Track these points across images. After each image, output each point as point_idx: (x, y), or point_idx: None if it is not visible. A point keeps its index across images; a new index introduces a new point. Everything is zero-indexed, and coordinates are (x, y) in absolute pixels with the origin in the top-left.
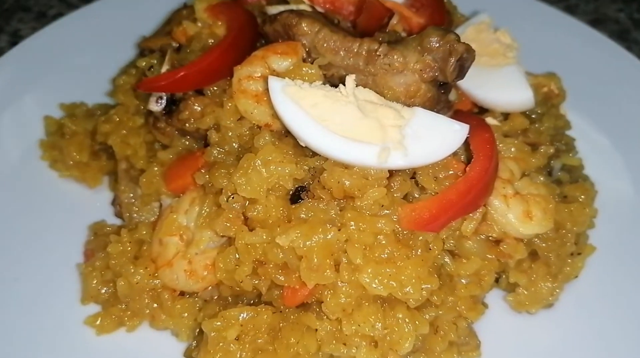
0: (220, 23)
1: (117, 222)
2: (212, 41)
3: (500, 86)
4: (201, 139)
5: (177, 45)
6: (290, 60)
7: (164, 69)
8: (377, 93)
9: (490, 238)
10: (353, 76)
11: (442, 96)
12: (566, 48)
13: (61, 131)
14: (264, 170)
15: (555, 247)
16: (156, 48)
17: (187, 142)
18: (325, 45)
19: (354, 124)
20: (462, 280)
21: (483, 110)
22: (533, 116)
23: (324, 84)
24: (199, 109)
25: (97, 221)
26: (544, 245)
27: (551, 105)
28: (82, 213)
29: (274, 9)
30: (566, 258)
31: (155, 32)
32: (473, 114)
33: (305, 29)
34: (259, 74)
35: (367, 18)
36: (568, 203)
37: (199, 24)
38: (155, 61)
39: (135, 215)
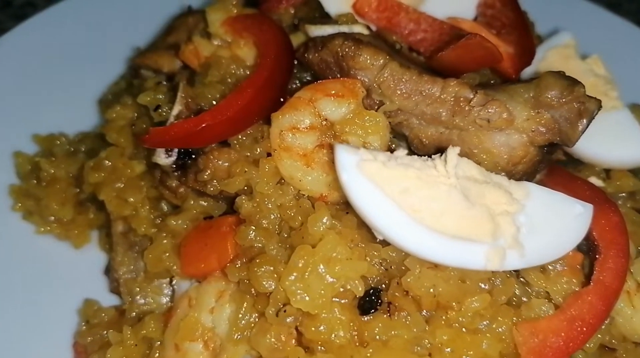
0: (243, 42)
1: (113, 299)
2: (235, 68)
3: (606, 137)
4: (225, 201)
5: (186, 69)
6: (347, 105)
7: (176, 109)
8: (467, 154)
9: (606, 348)
10: (457, 150)
11: (546, 156)
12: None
13: (37, 174)
14: (327, 273)
15: None
16: (155, 67)
17: (206, 203)
18: (392, 85)
19: (457, 216)
20: None
21: (574, 161)
22: None
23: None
24: (225, 165)
25: (89, 300)
26: None
27: None
28: (67, 284)
29: (317, 30)
30: None
31: (153, 42)
32: (575, 174)
33: (366, 62)
34: (307, 124)
35: (460, 56)
36: None
37: (215, 42)
38: (162, 96)
39: (138, 296)
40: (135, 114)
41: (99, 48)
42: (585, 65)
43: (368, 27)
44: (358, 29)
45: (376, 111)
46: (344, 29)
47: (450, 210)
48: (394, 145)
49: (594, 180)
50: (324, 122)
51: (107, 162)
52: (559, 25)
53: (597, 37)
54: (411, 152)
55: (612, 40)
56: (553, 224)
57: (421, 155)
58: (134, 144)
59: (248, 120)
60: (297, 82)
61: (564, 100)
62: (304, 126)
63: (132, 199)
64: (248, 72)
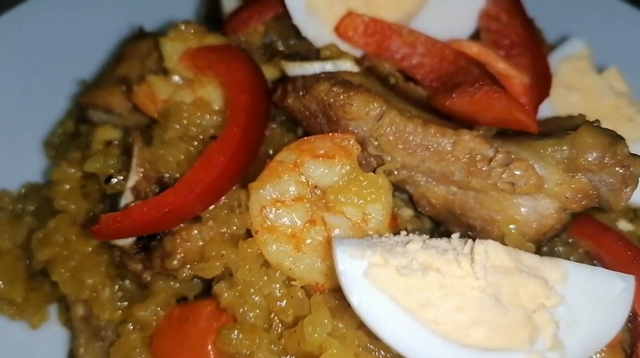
0: (207, 80)
1: None
2: (200, 115)
3: None
4: (202, 279)
5: (139, 114)
6: (339, 167)
7: (132, 180)
8: (487, 221)
9: None
10: (485, 245)
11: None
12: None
13: None
14: None
15: None
16: (105, 107)
17: (178, 284)
18: (392, 138)
19: (489, 326)
20: None
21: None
22: None
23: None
24: (198, 244)
25: None
26: None
27: None
28: None
29: (296, 68)
30: None
31: (102, 74)
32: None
33: (360, 111)
34: (293, 195)
35: (472, 109)
36: None
37: (174, 79)
38: (114, 160)
39: None
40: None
41: (38, 79)
42: (603, 80)
43: (356, 60)
44: (346, 65)
45: (374, 171)
46: (329, 66)
47: (480, 320)
48: (397, 209)
49: (623, 224)
50: (314, 190)
51: (57, 236)
52: (568, 21)
53: (614, 34)
54: (417, 212)
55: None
56: (595, 310)
57: (432, 221)
58: (87, 206)
59: (220, 192)
60: (274, 124)
61: (604, 162)
62: (289, 198)
63: (90, 281)
64: (215, 118)
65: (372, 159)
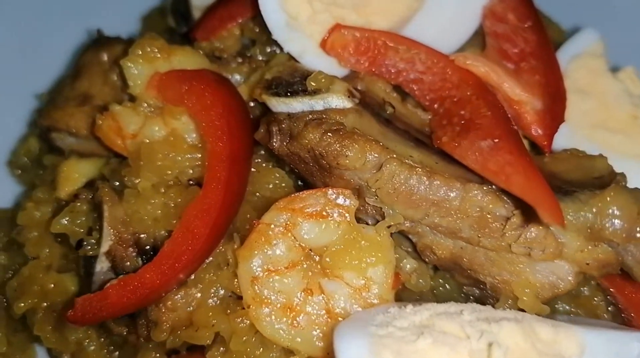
0: (179, 110)
1: None
2: (176, 155)
3: None
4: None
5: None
6: (335, 227)
7: (105, 245)
8: (497, 280)
9: None
10: (502, 328)
11: None
12: None
13: None
14: None
15: None
16: (68, 130)
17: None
18: (392, 191)
19: None
20: None
21: None
22: None
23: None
24: (186, 310)
25: None
26: None
27: None
28: None
29: (281, 104)
30: None
31: (60, 89)
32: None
33: (356, 161)
34: (286, 261)
35: (487, 166)
36: None
37: (142, 107)
38: (83, 218)
39: None
40: (54, 207)
41: None
42: (619, 84)
43: (349, 92)
44: (337, 101)
45: (370, 220)
46: (317, 102)
47: None
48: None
49: None
50: (309, 254)
51: (32, 285)
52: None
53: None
54: (420, 260)
55: None
56: None
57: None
58: (61, 249)
59: (205, 257)
60: (258, 158)
61: (633, 235)
62: (282, 265)
63: (73, 337)
64: (191, 156)
65: (371, 208)
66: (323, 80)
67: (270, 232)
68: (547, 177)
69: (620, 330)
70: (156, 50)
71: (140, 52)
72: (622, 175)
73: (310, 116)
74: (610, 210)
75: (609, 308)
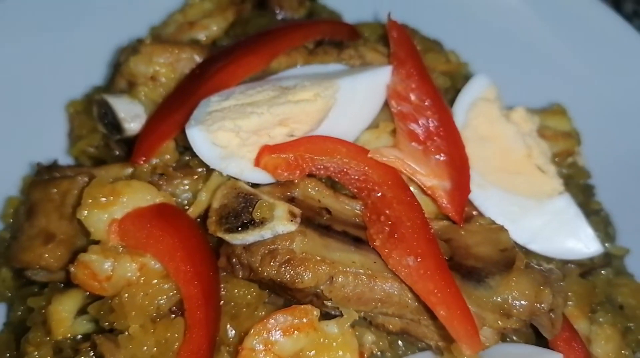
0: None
1: None
2: (154, 292)
3: (556, 234)
4: None
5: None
6: (303, 337)
7: None
8: (437, 341)
9: None
10: None
11: None
12: None
13: None
14: None
15: None
16: (40, 267)
17: None
18: (344, 297)
19: None
20: None
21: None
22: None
23: None
24: None
25: None
26: None
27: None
28: None
29: (235, 238)
30: None
31: (17, 228)
32: None
33: (311, 282)
34: None
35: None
36: None
37: (109, 247)
38: None
39: None
40: (53, 346)
41: None
42: (512, 126)
43: (291, 212)
44: (283, 227)
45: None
46: (266, 232)
47: None
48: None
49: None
50: None
51: None
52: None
53: None
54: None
55: None
56: None
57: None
58: None
59: None
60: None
61: (533, 311)
62: None
63: None
64: (164, 286)
65: (329, 309)
66: (266, 208)
67: (254, 354)
68: (464, 252)
69: (539, 353)
70: (104, 199)
71: (91, 201)
72: (520, 255)
73: (263, 249)
74: (514, 294)
75: None
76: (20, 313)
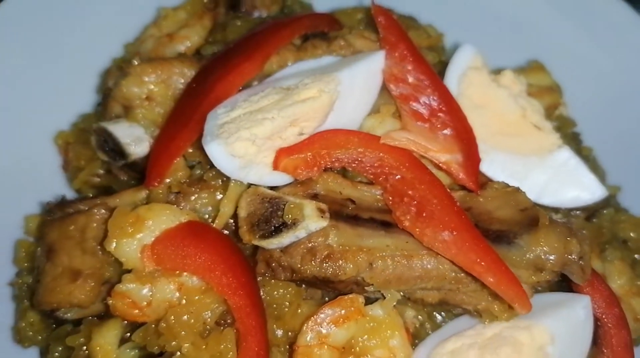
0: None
1: None
2: (196, 310)
3: (563, 185)
4: None
5: None
6: (353, 325)
7: None
8: (476, 307)
9: None
10: None
11: None
12: None
13: None
14: None
15: None
16: (71, 306)
17: None
18: (383, 281)
19: None
20: None
21: None
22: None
23: None
24: None
25: None
26: None
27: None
28: None
29: (271, 243)
30: None
31: (39, 271)
32: None
33: (352, 273)
34: None
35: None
36: None
37: (144, 274)
38: None
39: None
40: None
41: None
42: (503, 90)
43: (320, 209)
44: (315, 225)
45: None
46: (300, 232)
47: None
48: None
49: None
50: (341, 349)
51: None
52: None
53: None
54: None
55: None
56: (577, 347)
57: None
58: None
59: None
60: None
61: (563, 262)
62: None
63: None
64: (207, 301)
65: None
66: (295, 209)
67: (309, 350)
68: (486, 218)
69: (568, 298)
70: (131, 229)
71: (118, 231)
72: (542, 212)
73: (301, 249)
74: (545, 249)
75: None
76: (57, 354)
